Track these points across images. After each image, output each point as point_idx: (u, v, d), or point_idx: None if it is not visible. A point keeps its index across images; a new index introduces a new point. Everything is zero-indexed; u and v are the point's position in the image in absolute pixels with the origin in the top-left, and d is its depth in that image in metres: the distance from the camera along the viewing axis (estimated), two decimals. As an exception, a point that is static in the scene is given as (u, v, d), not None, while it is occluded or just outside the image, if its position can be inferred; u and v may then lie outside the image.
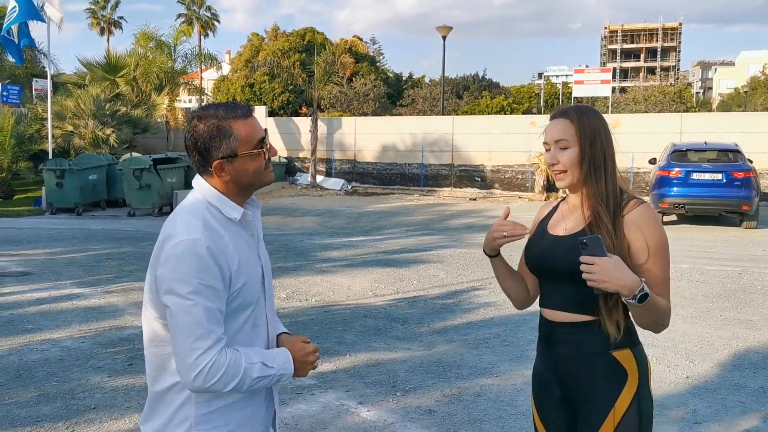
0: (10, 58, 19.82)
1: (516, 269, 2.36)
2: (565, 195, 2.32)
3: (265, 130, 2.00)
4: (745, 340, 5.99)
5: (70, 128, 20.41)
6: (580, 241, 1.95)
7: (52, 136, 19.13)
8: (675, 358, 5.49)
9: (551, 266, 2.12)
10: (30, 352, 5.65)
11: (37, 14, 17.99)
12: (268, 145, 1.96)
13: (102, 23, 56.13)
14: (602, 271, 1.89)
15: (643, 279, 1.93)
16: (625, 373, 2.05)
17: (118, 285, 8.33)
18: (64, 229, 14.03)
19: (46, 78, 19.50)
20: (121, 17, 58.99)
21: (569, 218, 2.16)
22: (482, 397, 4.64)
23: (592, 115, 2.11)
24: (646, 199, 15.52)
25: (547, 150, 2.15)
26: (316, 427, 4.13)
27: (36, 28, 20.47)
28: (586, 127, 2.07)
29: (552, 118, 2.16)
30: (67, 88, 23.77)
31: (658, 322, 2.05)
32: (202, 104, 2.06)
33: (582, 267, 1.93)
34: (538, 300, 2.31)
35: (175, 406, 1.90)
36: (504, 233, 2.15)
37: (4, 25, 17.51)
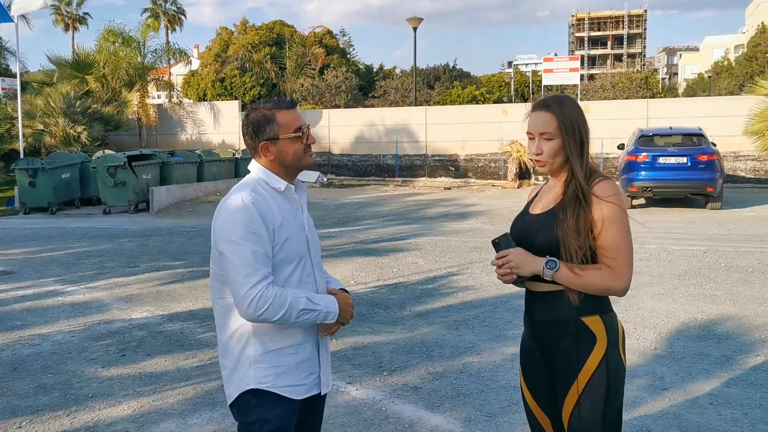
0: None
1: None
2: (546, 179, 2.55)
3: (309, 125, 2.39)
4: (709, 314, 6.32)
5: (41, 127, 20.25)
6: (493, 242, 2.31)
7: (23, 135, 18.99)
8: (644, 332, 5.80)
9: (528, 241, 2.34)
10: (22, 347, 5.77)
11: (7, 16, 17.87)
12: (306, 133, 2.34)
13: (67, 19, 55.33)
14: (515, 259, 2.26)
15: (547, 256, 2.24)
16: (594, 337, 2.27)
17: (101, 281, 8.43)
18: (39, 228, 14.00)
19: (10, 76, 19.33)
20: (86, 13, 58.20)
21: (545, 198, 2.39)
22: (464, 374, 4.89)
23: (571, 105, 2.33)
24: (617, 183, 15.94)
25: (531, 139, 2.36)
26: (308, 406, 4.34)
27: (2, 26, 20.19)
28: (567, 120, 2.29)
29: (535, 109, 2.36)
30: (33, 86, 23.52)
31: (596, 286, 2.23)
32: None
33: (496, 262, 2.30)
34: None
35: (239, 348, 2.30)
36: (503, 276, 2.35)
37: None
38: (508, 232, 2.34)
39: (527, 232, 2.36)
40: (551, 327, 2.32)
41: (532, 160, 2.46)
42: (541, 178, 20.20)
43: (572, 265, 2.22)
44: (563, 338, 2.30)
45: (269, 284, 2.19)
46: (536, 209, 2.41)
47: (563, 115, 2.30)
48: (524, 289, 2.43)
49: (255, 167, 2.37)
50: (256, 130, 2.33)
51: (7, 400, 4.57)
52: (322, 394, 2.44)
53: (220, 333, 2.39)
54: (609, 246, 2.24)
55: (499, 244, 2.32)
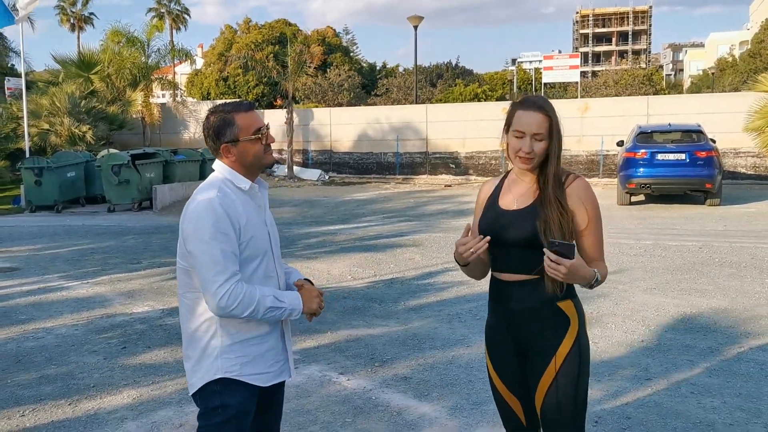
0: None
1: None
2: (503, 173, 2.66)
3: (268, 124, 2.51)
4: (698, 307, 6.44)
5: (46, 126, 20.46)
6: (552, 242, 2.29)
7: (29, 134, 19.20)
8: (632, 325, 5.92)
9: (506, 236, 2.43)
10: (26, 340, 5.93)
11: (11, 18, 18.12)
12: (266, 134, 2.47)
13: (72, 19, 55.63)
14: (570, 273, 2.26)
15: (596, 270, 2.37)
16: (568, 319, 2.43)
17: (105, 277, 8.60)
18: (45, 226, 14.19)
19: (15, 76, 19.54)
20: (92, 13, 58.50)
21: (519, 194, 2.47)
22: (454, 365, 5.03)
23: (554, 109, 2.46)
24: (614, 180, 16.04)
25: (519, 137, 2.41)
26: (300, 395, 4.49)
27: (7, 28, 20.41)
28: (556, 123, 2.42)
29: (527, 109, 2.42)
30: (38, 86, 23.73)
31: (598, 284, 2.45)
32: (216, 103, 2.71)
33: (546, 260, 2.27)
34: None
35: (205, 340, 2.42)
36: (470, 249, 2.40)
37: None
38: (574, 243, 2.32)
39: (505, 227, 2.44)
40: (527, 313, 2.44)
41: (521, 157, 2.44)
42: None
43: (600, 272, 2.41)
44: (539, 323, 2.43)
45: (237, 281, 2.32)
46: (510, 205, 2.48)
47: (554, 118, 2.43)
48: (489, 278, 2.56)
49: (219, 167, 2.49)
50: (216, 133, 2.43)
51: (10, 390, 4.73)
52: (291, 379, 2.62)
53: (185, 325, 2.50)
54: (596, 241, 2.45)
55: (556, 246, 2.28)
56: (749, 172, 19.04)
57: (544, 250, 2.30)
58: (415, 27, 23.84)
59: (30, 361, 5.36)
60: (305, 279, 2.65)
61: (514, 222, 2.43)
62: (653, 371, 4.80)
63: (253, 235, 2.42)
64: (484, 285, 7.45)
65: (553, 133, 2.41)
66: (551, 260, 2.26)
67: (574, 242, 2.35)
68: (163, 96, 42.29)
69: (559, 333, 2.41)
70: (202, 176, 19.21)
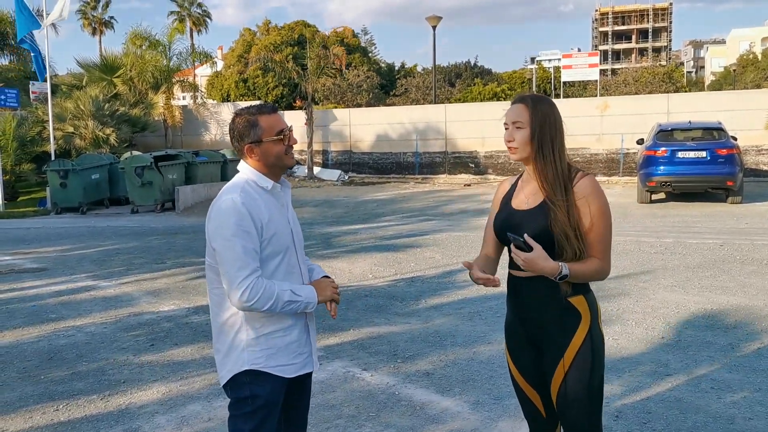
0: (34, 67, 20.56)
1: (483, 241, 2.77)
2: (520, 173, 2.74)
3: (291, 127, 2.62)
4: (719, 305, 6.45)
5: (71, 129, 20.80)
6: (514, 238, 2.45)
7: (54, 137, 19.54)
8: (653, 322, 5.95)
9: (515, 234, 2.50)
10: (57, 338, 6.10)
11: (36, 22, 18.50)
12: (288, 135, 2.58)
13: (93, 23, 56.40)
14: (528, 263, 2.39)
15: (561, 264, 2.39)
16: (579, 314, 2.48)
17: (131, 277, 8.78)
18: (70, 227, 14.46)
19: (42, 80, 19.90)
20: (112, 17, 59.24)
21: (529, 194, 2.56)
22: (475, 361, 5.10)
23: (546, 103, 2.53)
24: (634, 178, 15.98)
25: (506, 129, 2.57)
26: (325, 390, 4.59)
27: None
28: (538, 113, 2.49)
29: (512, 103, 2.58)
30: (61, 89, 24.13)
31: (590, 279, 2.50)
32: (241, 106, 2.83)
33: (512, 256, 2.45)
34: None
35: (232, 333, 2.56)
36: (482, 284, 2.52)
37: (18, 34, 18.19)
38: (523, 240, 2.43)
39: (514, 226, 2.52)
40: (539, 308, 2.52)
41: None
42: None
43: (574, 267, 2.41)
44: (551, 317, 2.50)
45: (258, 277, 2.44)
46: (521, 204, 2.57)
47: (535, 108, 2.50)
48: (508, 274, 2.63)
49: (244, 168, 2.60)
50: (241, 134, 2.55)
51: (44, 386, 4.88)
52: (316, 370, 2.71)
53: (214, 319, 2.64)
54: (599, 240, 2.46)
55: (517, 245, 2.44)
56: (772, 170, 18.85)
57: (512, 246, 2.45)
58: (434, 27, 23.89)
59: (62, 358, 5.52)
60: (324, 276, 2.76)
61: (524, 221, 2.51)
62: (673, 367, 4.84)
63: (275, 233, 2.53)
64: (504, 284, 7.52)
65: (533, 121, 2.47)
66: (516, 258, 2.43)
67: (523, 238, 2.42)
68: (184, 98, 42.74)
69: (571, 328, 2.47)
70: (224, 177, 19.44)
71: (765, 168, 18.91)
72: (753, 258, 8.56)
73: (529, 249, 2.41)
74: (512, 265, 2.58)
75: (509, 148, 2.56)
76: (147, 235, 12.69)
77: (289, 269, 2.59)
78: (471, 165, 21.91)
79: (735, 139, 14.40)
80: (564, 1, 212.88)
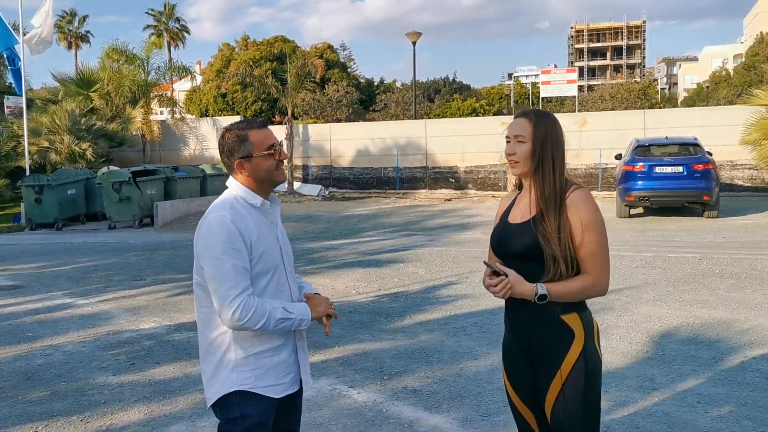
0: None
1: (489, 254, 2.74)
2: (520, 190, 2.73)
3: (281, 141, 2.56)
4: (701, 319, 6.50)
5: (46, 144, 20.54)
6: (488, 266, 2.48)
7: (29, 152, 19.27)
8: (637, 336, 5.97)
9: (508, 249, 2.53)
10: (34, 357, 5.96)
11: (13, 39, 18.35)
12: (278, 149, 2.54)
13: (69, 38, 55.95)
14: (503, 288, 2.40)
15: (537, 285, 2.38)
16: (573, 333, 2.44)
17: (109, 294, 8.63)
18: (46, 243, 14.22)
19: (14, 94, 19.66)
20: (88, 31, 58.88)
21: (524, 208, 2.56)
22: (462, 377, 5.07)
23: (549, 119, 2.53)
24: (613, 193, 16.13)
25: (507, 142, 2.56)
26: (312, 408, 4.53)
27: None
28: (541, 128, 2.49)
29: (515, 117, 2.58)
30: (36, 103, 23.84)
31: (581, 297, 2.46)
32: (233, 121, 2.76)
33: (487, 285, 2.47)
34: None
35: (220, 352, 2.49)
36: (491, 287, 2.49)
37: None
38: (494, 266, 2.47)
39: (507, 239, 2.53)
40: (532, 326, 2.49)
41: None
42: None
43: (555, 287, 2.39)
44: (544, 335, 2.47)
45: (249, 295, 2.39)
46: (515, 217, 2.57)
47: (538, 123, 2.49)
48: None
49: (232, 184, 2.55)
50: (231, 149, 2.51)
51: (22, 407, 4.76)
52: (304, 389, 2.66)
53: (201, 339, 2.57)
54: (590, 253, 2.42)
55: (492, 272, 2.47)
56: (746, 185, 19.18)
57: (486, 273, 2.47)
58: (414, 43, 24.03)
59: (39, 377, 5.39)
60: (315, 293, 2.72)
61: (516, 235, 2.50)
62: (659, 381, 4.85)
63: (265, 250, 2.48)
64: (487, 299, 7.51)
65: (536, 137, 2.47)
66: (492, 287, 2.44)
67: (495, 265, 2.44)
68: (161, 113, 42.45)
69: (564, 345, 2.43)
70: (203, 193, 19.29)
71: (740, 183, 19.22)
72: (732, 272, 8.65)
73: (501, 275, 2.42)
74: None
75: (510, 161, 2.55)
76: (125, 252, 12.52)
77: (279, 288, 2.55)
78: (451, 180, 21.99)
79: (710, 154, 14.62)
80: (540, 18, 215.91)
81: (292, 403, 2.64)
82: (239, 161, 2.50)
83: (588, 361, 2.44)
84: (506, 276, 2.41)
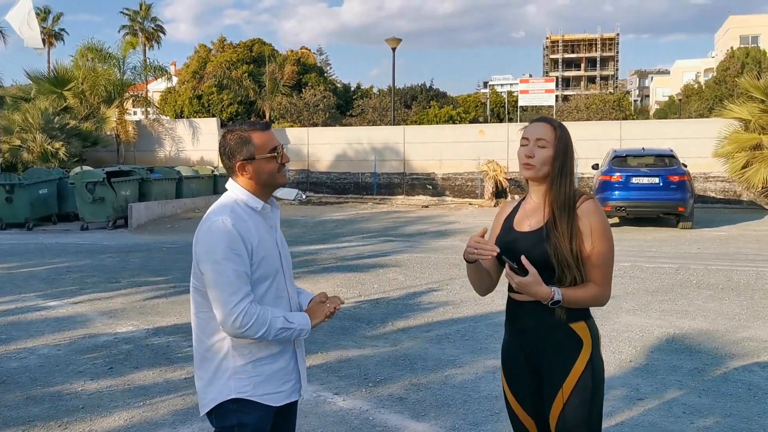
0: None
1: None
2: (523, 195, 2.71)
3: (284, 144, 2.48)
4: (682, 329, 6.55)
5: (18, 142, 20.14)
6: (508, 261, 2.41)
7: (0, 150, 18.87)
8: (619, 346, 6.00)
9: (517, 257, 2.45)
10: (8, 360, 5.80)
11: None
12: (281, 153, 2.49)
13: (43, 35, 55.00)
14: (522, 287, 2.38)
15: (554, 289, 2.36)
16: (581, 341, 2.44)
17: (84, 296, 8.45)
18: (17, 243, 13.91)
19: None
20: (63, 29, 58.08)
21: (532, 217, 2.53)
22: (447, 385, 5.04)
23: (567, 131, 2.54)
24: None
25: (524, 145, 2.51)
26: (298, 415, 4.44)
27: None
28: (564, 137, 2.49)
29: (535, 121, 2.56)
30: (7, 101, 23.38)
31: (588, 305, 2.47)
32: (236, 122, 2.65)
33: (506, 277, 2.43)
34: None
35: (218, 359, 2.42)
36: (475, 250, 2.46)
37: None
38: (515, 265, 2.41)
39: (517, 248, 2.47)
40: (539, 333, 2.47)
41: (525, 166, 2.54)
42: (517, 197, 20.53)
43: (569, 293, 2.38)
44: (551, 343, 2.45)
45: (251, 302, 2.33)
46: (523, 227, 2.53)
47: (561, 132, 2.50)
48: (506, 298, 2.60)
49: (233, 186, 2.49)
50: (233, 150, 2.45)
51: (-3, 412, 4.61)
52: (305, 399, 2.60)
53: (198, 344, 2.50)
54: (598, 263, 2.42)
55: (514, 270, 2.41)
56: (719, 197, 19.50)
57: (507, 267, 2.42)
58: (393, 49, 24.06)
59: (14, 381, 5.24)
60: (319, 294, 2.67)
61: (525, 243, 2.47)
62: (644, 391, 4.86)
63: (265, 256, 2.43)
64: (469, 306, 7.50)
65: (558, 145, 2.46)
66: (507, 273, 2.41)
67: (517, 263, 2.39)
68: (135, 114, 41.91)
69: (572, 354, 2.42)
70: (179, 195, 19.07)
71: (712, 195, 19.53)
72: (708, 283, 8.75)
73: (525, 272, 2.37)
74: (512, 288, 2.54)
75: (526, 164, 2.50)
76: (99, 253, 12.29)
77: (278, 294, 2.49)
78: (428, 186, 22.02)
79: (686, 166, 14.84)
80: (516, 27, 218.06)
81: (289, 410, 2.59)
82: (241, 163, 2.44)
83: (595, 369, 2.44)
84: (523, 274, 2.36)
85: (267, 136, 2.47)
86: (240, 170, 2.46)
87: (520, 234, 2.52)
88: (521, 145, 2.54)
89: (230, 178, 2.52)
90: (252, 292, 2.36)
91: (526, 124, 2.61)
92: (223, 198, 2.50)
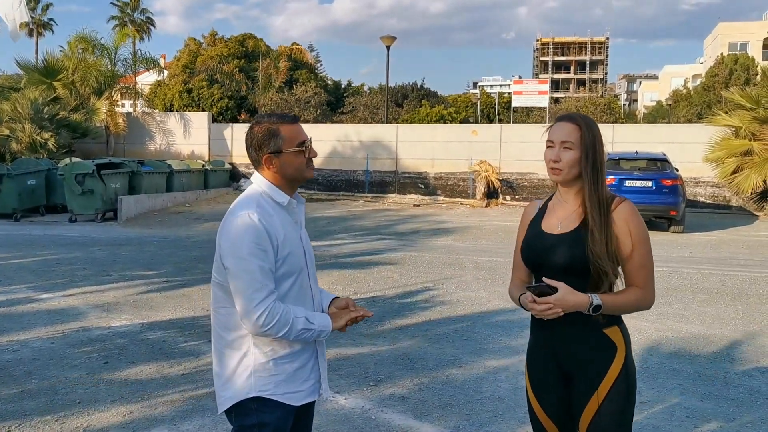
0: None
1: (514, 266, 2.63)
2: (547, 196, 2.66)
3: (310, 138, 2.46)
4: (679, 332, 6.56)
5: (7, 132, 19.87)
6: (528, 287, 2.34)
7: (-12, 140, 18.62)
8: (619, 348, 5.99)
9: (549, 261, 2.40)
10: (2, 352, 5.70)
11: None
12: (309, 147, 2.42)
13: (31, 25, 54.46)
14: (559, 304, 2.28)
15: (591, 295, 2.29)
16: (614, 346, 2.37)
17: (76, 289, 8.34)
18: (4, 235, 13.73)
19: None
20: (51, 19, 57.54)
21: (563, 217, 2.44)
22: (449, 385, 5.00)
23: (594, 125, 2.43)
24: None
25: (549, 147, 2.43)
26: (299, 414, 4.40)
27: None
28: (590, 135, 2.39)
29: (559, 120, 2.45)
30: (-5, 90, 23.09)
31: (630, 310, 2.39)
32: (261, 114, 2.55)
33: (538, 310, 2.31)
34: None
35: (238, 356, 2.36)
36: (547, 311, 2.33)
37: None
38: (542, 283, 2.34)
39: (549, 251, 2.40)
40: (572, 338, 2.39)
41: (552, 168, 2.44)
42: (509, 198, 20.55)
43: (608, 299, 2.31)
44: (584, 348, 2.38)
45: (275, 300, 2.27)
46: (554, 229, 2.45)
47: (588, 129, 2.39)
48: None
49: (258, 180, 2.44)
50: (260, 143, 2.39)
51: (-9, 405, 4.53)
52: (324, 398, 2.55)
53: (217, 340, 2.44)
54: (640, 266, 2.35)
55: (536, 291, 2.34)
56: (708, 201, 19.60)
57: (528, 299, 2.32)
58: (388, 47, 23.99)
59: (8, 374, 5.15)
60: (334, 297, 2.61)
61: (557, 246, 2.39)
62: (646, 394, 4.85)
63: (290, 252, 2.37)
64: (465, 306, 7.47)
65: (585, 145, 2.36)
66: (540, 308, 2.29)
67: (543, 284, 2.31)
68: (124, 106, 41.52)
69: (606, 360, 2.36)
70: (169, 189, 18.91)
71: (702, 199, 19.64)
72: (703, 287, 8.78)
73: (554, 290, 2.29)
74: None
75: (553, 168, 2.42)
76: (89, 246, 12.15)
77: (302, 291, 2.43)
78: (420, 186, 21.99)
79: (677, 170, 14.90)
80: (506, 29, 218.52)
81: (307, 409, 2.53)
82: (268, 156, 2.39)
83: (629, 375, 2.38)
84: (553, 293, 2.28)
85: (295, 129, 2.42)
86: (267, 163, 2.40)
87: (551, 235, 2.43)
88: (547, 147, 2.45)
89: (256, 171, 2.46)
90: (276, 290, 2.30)
91: (551, 124, 2.51)
92: (249, 191, 2.44)
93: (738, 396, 4.83)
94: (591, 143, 2.39)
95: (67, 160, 17.43)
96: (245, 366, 2.35)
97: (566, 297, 2.28)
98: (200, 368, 5.28)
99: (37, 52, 46.68)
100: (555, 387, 2.47)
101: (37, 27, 54.47)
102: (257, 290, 2.25)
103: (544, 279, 2.33)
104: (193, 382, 4.98)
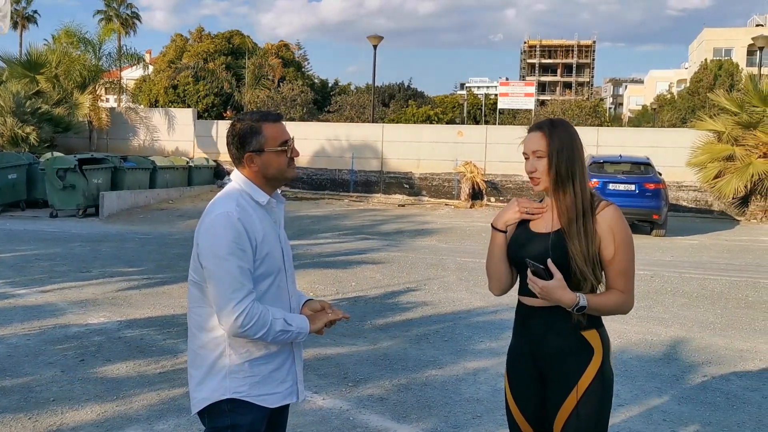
0: None
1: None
2: (541, 197, 2.64)
3: (293, 137, 2.43)
4: (658, 336, 6.59)
5: (-13, 125, 19.64)
6: (528, 262, 2.33)
7: (-32, 133, 18.38)
8: (598, 351, 6.00)
9: (523, 257, 2.40)
10: (-25, 349, 5.61)
11: None
12: (291, 146, 2.39)
13: (15, 17, 53.83)
14: (545, 293, 2.30)
15: (579, 295, 2.29)
16: (592, 349, 2.37)
17: (54, 285, 8.25)
18: (-17, 229, 13.56)
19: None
20: (35, 11, 56.97)
21: (549, 218, 2.44)
22: (428, 386, 4.99)
23: (563, 129, 2.43)
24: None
25: (526, 159, 2.45)
26: (276, 414, 4.36)
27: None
28: (555, 140, 2.38)
29: (529, 131, 2.47)
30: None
31: (610, 313, 2.40)
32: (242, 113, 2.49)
33: (528, 282, 2.34)
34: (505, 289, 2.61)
35: (213, 357, 2.32)
36: (525, 209, 2.42)
37: None
38: (544, 267, 2.33)
39: (530, 249, 2.41)
40: (550, 340, 2.40)
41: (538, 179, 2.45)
42: (493, 199, 20.59)
43: (593, 299, 2.32)
44: (562, 350, 2.38)
45: (253, 301, 2.24)
46: (538, 227, 2.46)
47: (552, 135, 2.39)
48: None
49: (237, 177, 2.40)
50: (242, 141, 2.35)
51: (-37, 403, 4.45)
52: (299, 401, 2.51)
53: (192, 340, 2.40)
54: (621, 271, 2.35)
55: (535, 271, 2.34)
56: (690, 206, 19.76)
57: (529, 268, 2.33)
58: (375, 46, 23.97)
59: (-19, 371, 5.07)
60: (308, 299, 2.57)
61: (539, 246, 2.39)
62: (624, 397, 4.86)
63: (269, 252, 2.33)
64: (447, 307, 7.46)
65: (551, 150, 2.37)
66: (530, 283, 2.33)
67: (545, 265, 2.31)
68: (108, 101, 41.20)
69: (582, 363, 2.36)
70: (153, 185, 18.77)
71: (684, 204, 19.80)
72: (683, 291, 8.84)
73: (550, 276, 2.30)
74: (523, 292, 2.48)
75: (532, 179, 2.43)
76: (69, 241, 12.02)
77: (279, 292, 2.40)
78: (405, 186, 21.98)
79: (660, 174, 15.00)
80: (494, 31, 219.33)
81: (282, 411, 2.50)
82: (249, 155, 2.35)
83: (605, 379, 2.38)
84: (548, 278, 2.30)
85: (278, 129, 2.38)
86: (248, 162, 2.36)
87: (534, 235, 2.45)
88: (525, 160, 2.47)
89: (235, 169, 2.42)
90: (254, 290, 2.27)
91: (526, 135, 2.52)
92: (228, 189, 2.40)
93: (714, 400, 4.86)
94: (557, 147, 2.38)
95: (48, 155, 17.24)
96: (221, 367, 2.32)
97: (555, 289, 2.28)
98: (177, 367, 5.23)
99: (21, 45, 46.18)
100: (532, 388, 2.47)
101: (21, 20, 53.85)
102: (236, 290, 2.21)
103: (548, 262, 2.31)
104: (170, 381, 4.93)
